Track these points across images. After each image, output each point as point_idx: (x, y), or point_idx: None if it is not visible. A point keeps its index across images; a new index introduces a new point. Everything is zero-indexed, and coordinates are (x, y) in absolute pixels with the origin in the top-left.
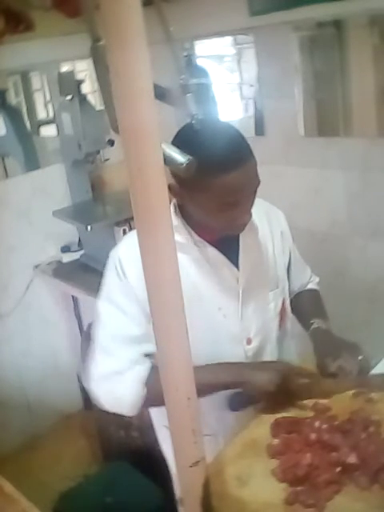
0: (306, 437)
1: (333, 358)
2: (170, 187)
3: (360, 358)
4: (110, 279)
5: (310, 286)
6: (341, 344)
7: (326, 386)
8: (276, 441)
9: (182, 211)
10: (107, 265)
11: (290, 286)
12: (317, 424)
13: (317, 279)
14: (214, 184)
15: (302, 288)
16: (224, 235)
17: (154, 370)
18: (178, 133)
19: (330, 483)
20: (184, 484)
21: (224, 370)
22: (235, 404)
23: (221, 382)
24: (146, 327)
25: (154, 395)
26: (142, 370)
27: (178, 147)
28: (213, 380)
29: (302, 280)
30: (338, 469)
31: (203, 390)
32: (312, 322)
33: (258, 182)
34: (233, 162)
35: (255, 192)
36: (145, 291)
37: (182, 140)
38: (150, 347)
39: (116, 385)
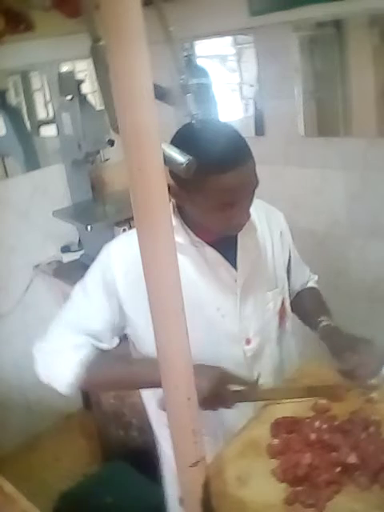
0: (306, 437)
1: (349, 353)
2: (168, 188)
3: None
4: (94, 271)
5: (309, 285)
6: (354, 339)
7: (259, 394)
8: (276, 441)
9: (180, 212)
10: (98, 256)
11: (290, 285)
12: (317, 424)
13: (315, 277)
14: (212, 183)
15: (302, 287)
16: (222, 235)
17: (99, 358)
18: (176, 132)
19: (330, 483)
20: (184, 484)
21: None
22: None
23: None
24: (107, 326)
25: (90, 381)
26: (84, 354)
27: (176, 147)
28: (149, 376)
29: (302, 279)
30: (338, 469)
31: (137, 384)
32: (320, 319)
33: (257, 183)
34: (231, 161)
35: (254, 192)
36: (127, 292)
37: (181, 140)
38: (104, 346)
39: (55, 360)
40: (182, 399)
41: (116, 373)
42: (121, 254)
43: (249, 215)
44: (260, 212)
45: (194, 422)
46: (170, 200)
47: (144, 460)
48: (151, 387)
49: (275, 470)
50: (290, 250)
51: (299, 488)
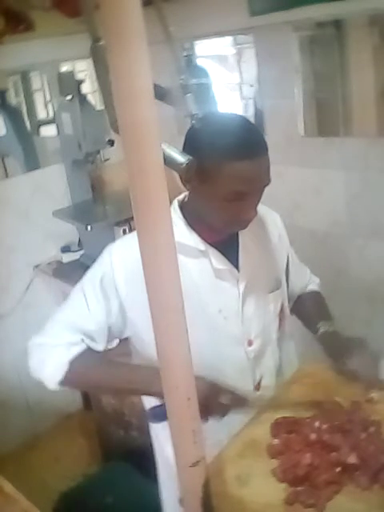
0: (305, 437)
1: (347, 357)
2: (180, 176)
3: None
4: (94, 272)
5: (310, 288)
6: (350, 342)
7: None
8: (276, 441)
9: (184, 212)
10: (99, 257)
11: (289, 288)
12: (317, 424)
13: (317, 280)
14: (229, 170)
15: (302, 290)
16: (228, 232)
17: (86, 357)
18: (195, 123)
19: (330, 483)
20: (184, 484)
21: (148, 374)
22: (158, 416)
23: (139, 386)
24: (104, 327)
25: (76, 376)
26: (75, 353)
27: (194, 139)
28: (132, 382)
29: (301, 282)
30: (338, 469)
31: (119, 389)
32: (318, 326)
33: (269, 181)
34: (251, 149)
35: (263, 190)
36: (129, 294)
37: (199, 132)
38: (99, 346)
39: (47, 356)
40: (182, 399)
41: (100, 374)
42: (122, 256)
43: (256, 212)
44: (259, 213)
45: (194, 422)
46: (171, 201)
47: (144, 460)
48: (132, 394)
49: (275, 470)
50: (288, 253)
51: (299, 488)
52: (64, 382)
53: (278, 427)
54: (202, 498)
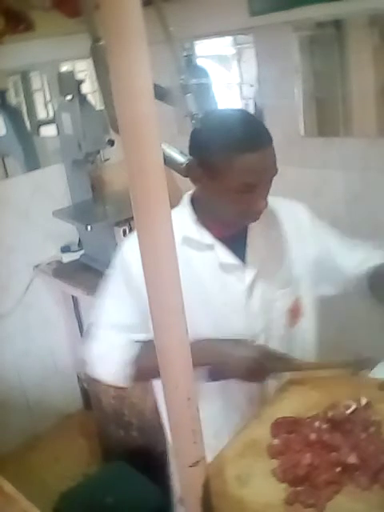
0: (305, 437)
1: None
2: (189, 168)
3: None
4: (113, 271)
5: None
6: None
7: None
8: (276, 441)
9: (195, 206)
10: (116, 256)
11: (340, 271)
12: (317, 424)
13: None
14: (238, 162)
15: (362, 263)
16: (238, 225)
17: (143, 348)
18: (201, 120)
19: (330, 483)
20: (184, 484)
21: (203, 348)
22: (213, 375)
23: (201, 360)
24: (140, 317)
25: (141, 371)
26: (130, 354)
27: (199, 139)
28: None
29: (354, 259)
30: (338, 469)
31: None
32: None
33: (276, 171)
34: (256, 141)
35: (271, 180)
36: (141, 285)
37: (203, 131)
38: (141, 336)
39: (105, 362)
40: (182, 399)
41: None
42: (134, 250)
43: (267, 203)
44: (275, 209)
45: (194, 422)
46: (169, 198)
47: (144, 460)
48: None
49: (275, 470)
50: (321, 241)
51: (299, 488)
52: (132, 381)
53: (278, 427)
54: (202, 497)
